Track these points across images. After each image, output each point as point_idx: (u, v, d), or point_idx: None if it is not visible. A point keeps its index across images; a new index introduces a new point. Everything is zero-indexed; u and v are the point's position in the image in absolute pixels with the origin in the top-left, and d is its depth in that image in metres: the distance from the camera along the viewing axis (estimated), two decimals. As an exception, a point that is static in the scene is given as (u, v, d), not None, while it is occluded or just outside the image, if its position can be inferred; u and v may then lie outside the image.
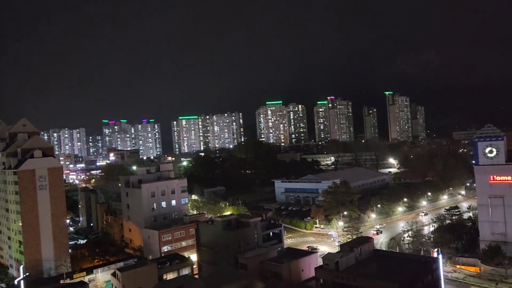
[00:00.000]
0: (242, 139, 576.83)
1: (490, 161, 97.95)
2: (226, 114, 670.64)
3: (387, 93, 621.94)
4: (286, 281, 66.95)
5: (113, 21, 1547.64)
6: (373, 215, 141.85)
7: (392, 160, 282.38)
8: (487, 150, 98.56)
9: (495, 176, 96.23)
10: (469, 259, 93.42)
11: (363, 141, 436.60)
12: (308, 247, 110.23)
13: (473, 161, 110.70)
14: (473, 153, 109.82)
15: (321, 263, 64.37)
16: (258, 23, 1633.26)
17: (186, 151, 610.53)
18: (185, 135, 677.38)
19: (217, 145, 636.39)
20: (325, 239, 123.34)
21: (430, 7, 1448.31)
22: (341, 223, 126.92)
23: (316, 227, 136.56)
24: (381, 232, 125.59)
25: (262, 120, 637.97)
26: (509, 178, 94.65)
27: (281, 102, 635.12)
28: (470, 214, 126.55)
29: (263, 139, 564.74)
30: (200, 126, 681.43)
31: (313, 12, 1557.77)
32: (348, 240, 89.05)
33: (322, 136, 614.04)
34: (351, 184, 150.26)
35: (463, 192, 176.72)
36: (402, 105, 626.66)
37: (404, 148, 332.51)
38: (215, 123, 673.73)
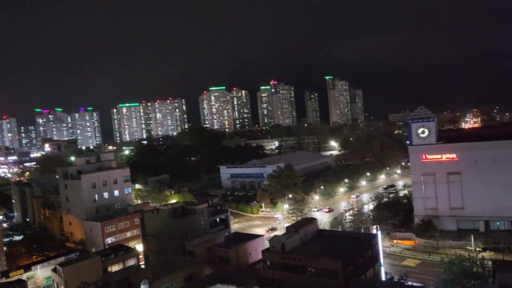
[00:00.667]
0: (186, 126, 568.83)
1: (422, 141, 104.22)
2: (168, 101, 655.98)
3: (327, 77, 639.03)
4: (233, 266, 67.57)
5: (48, 5, 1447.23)
6: (316, 197, 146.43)
7: (333, 143, 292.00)
8: (420, 131, 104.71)
9: (427, 155, 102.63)
10: (405, 234, 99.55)
11: (305, 125, 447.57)
12: (268, 230, 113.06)
13: (408, 142, 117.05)
14: (407, 134, 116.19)
15: (268, 246, 65.62)
16: (200, 9, 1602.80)
17: (128, 139, 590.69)
18: (126, 123, 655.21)
19: (160, 133, 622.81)
20: (271, 222, 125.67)
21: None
22: (286, 206, 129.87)
23: (262, 211, 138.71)
24: (332, 210, 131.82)
25: (205, 106, 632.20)
26: (439, 156, 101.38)
27: (224, 88, 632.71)
28: (406, 191, 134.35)
29: (208, 126, 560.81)
30: (142, 114, 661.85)
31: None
32: (293, 222, 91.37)
33: (266, 121, 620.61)
34: (295, 168, 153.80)
35: (399, 171, 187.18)
36: (342, 89, 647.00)
37: (344, 131, 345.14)
38: (157, 110, 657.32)
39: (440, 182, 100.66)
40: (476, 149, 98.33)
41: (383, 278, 65.42)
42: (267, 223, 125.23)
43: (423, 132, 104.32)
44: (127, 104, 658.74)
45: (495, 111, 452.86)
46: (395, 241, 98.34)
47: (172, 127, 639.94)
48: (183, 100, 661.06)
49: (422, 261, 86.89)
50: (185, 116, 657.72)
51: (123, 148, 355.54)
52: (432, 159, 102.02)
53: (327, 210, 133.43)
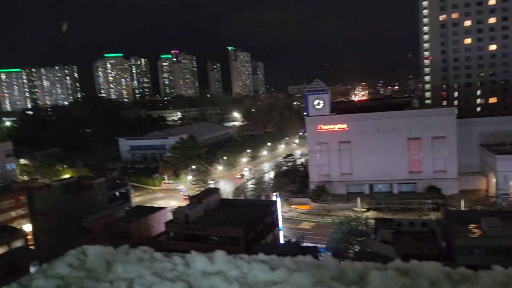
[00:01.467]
0: (79, 96, 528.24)
1: (318, 112, 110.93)
2: (57, 67, 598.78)
3: (230, 48, 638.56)
4: (135, 239, 66.28)
5: None
6: (219, 167, 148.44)
7: (236, 114, 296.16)
8: (315, 102, 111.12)
9: (321, 126, 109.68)
10: (301, 199, 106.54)
11: (208, 96, 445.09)
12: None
13: (305, 113, 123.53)
14: (305, 105, 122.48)
15: (172, 218, 65.45)
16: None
17: (9, 109, 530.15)
18: (6, 91, 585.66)
19: (48, 102, 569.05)
20: (175, 194, 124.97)
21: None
22: (189, 177, 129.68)
23: (164, 183, 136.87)
24: (244, 176, 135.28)
25: (101, 74, 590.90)
26: (332, 126, 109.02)
27: (121, 55, 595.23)
28: (303, 160, 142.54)
29: (104, 95, 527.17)
30: (26, 81, 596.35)
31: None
32: (197, 193, 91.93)
33: (167, 91, 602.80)
34: (198, 139, 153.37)
35: (297, 141, 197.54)
36: (244, 60, 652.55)
37: (246, 102, 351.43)
38: (44, 77, 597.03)
39: (332, 150, 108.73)
40: (363, 120, 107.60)
41: (282, 241, 69.75)
42: (170, 195, 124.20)
43: (318, 104, 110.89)
44: (7, 70, 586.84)
45: (379, 85, 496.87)
46: (292, 206, 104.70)
47: (63, 96, 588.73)
48: (75, 67, 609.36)
49: (316, 224, 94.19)
50: (77, 84, 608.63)
51: (4, 119, 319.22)
52: (326, 129, 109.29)
53: (240, 176, 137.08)
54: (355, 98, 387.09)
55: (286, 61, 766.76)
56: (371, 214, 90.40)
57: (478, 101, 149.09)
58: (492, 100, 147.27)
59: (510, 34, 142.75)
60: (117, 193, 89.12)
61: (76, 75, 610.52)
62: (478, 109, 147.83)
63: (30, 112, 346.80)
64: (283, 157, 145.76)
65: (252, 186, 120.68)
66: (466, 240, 52.40)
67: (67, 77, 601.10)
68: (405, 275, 5.37)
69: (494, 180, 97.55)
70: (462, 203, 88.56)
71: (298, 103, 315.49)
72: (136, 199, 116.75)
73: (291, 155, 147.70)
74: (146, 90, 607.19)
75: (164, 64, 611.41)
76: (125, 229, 68.14)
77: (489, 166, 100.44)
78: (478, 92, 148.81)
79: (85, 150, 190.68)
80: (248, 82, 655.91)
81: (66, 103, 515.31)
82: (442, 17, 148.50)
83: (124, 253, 7.54)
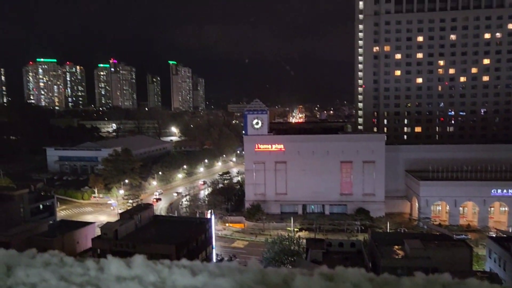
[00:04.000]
0: (5, 100, 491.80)
1: (256, 131, 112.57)
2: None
3: (171, 62, 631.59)
4: (58, 256, 62.18)
5: None
6: (154, 182, 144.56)
7: (174, 129, 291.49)
8: (254, 122, 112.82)
9: (259, 145, 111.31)
10: (236, 218, 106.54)
11: (146, 109, 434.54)
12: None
13: (243, 131, 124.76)
14: (244, 124, 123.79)
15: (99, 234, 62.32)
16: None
17: None
18: None
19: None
20: (104, 208, 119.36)
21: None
22: (121, 191, 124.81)
23: (94, 197, 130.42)
24: (160, 200, 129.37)
25: (31, 79, 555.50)
26: (269, 146, 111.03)
27: (55, 60, 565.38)
28: (239, 178, 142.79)
29: (33, 101, 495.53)
30: None
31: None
32: (129, 208, 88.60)
33: (103, 101, 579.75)
34: (133, 152, 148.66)
35: (234, 159, 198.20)
36: (185, 75, 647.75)
37: (185, 117, 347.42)
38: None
39: (269, 170, 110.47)
40: (299, 141, 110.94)
41: (214, 260, 68.94)
42: (99, 210, 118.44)
43: (257, 123, 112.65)
44: None
45: (316, 108, 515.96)
46: (227, 224, 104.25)
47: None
48: (2, 69, 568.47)
49: (250, 242, 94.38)
50: (3, 88, 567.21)
51: None
52: (263, 149, 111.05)
53: (154, 199, 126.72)
54: (292, 119, 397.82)
55: (227, 79, 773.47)
56: (303, 234, 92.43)
57: (405, 129, 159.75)
58: (418, 129, 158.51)
59: (434, 69, 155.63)
60: (41, 206, 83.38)
61: (3, 78, 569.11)
62: (405, 136, 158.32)
63: None
64: (219, 174, 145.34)
65: (187, 202, 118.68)
66: (390, 261, 55.23)
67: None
68: (330, 279, 5.58)
69: (417, 204, 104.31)
70: (388, 225, 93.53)
71: (237, 122, 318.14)
72: (62, 213, 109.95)
73: (227, 172, 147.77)
74: (80, 98, 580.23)
75: (101, 73, 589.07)
76: (47, 244, 63.60)
77: (413, 190, 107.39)
78: (405, 121, 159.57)
79: (9, 159, 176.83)
80: (188, 97, 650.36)
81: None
82: (375, 49, 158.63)
83: (29, 257, 6.93)
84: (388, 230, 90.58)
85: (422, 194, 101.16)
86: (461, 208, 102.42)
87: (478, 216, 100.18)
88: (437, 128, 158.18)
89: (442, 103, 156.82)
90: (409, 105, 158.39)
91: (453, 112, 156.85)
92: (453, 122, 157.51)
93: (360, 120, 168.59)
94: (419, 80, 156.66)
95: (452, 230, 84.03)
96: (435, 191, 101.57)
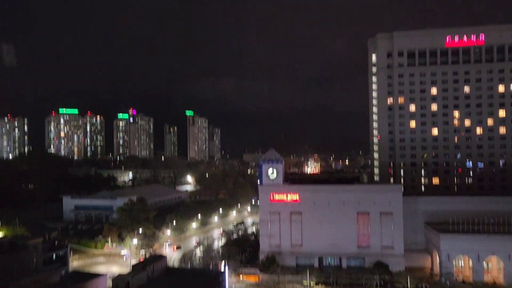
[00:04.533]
0: (27, 149, 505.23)
1: (271, 181, 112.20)
2: (6, 119, 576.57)
3: (188, 113, 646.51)
4: (69, 308, 60.93)
5: None
6: (168, 232, 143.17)
7: (189, 178, 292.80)
8: (270, 171, 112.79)
9: (274, 195, 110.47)
10: (250, 270, 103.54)
11: (162, 158, 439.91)
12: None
13: (258, 181, 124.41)
14: (259, 174, 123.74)
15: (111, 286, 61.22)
16: (55, 24, 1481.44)
17: None
18: None
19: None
20: (117, 258, 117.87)
21: (228, 36, 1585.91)
22: (135, 241, 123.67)
23: (108, 247, 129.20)
24: (180, 247, 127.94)
25: (52, 129, 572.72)
26: (284, 197, 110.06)
27: (76, 111, 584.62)
28: (253, 229, 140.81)
29: (53, 151, 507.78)
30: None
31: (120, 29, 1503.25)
32: (141, 258, 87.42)
33: (121, 151, 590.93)
34: (148, 201, 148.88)
35: (249, 209, 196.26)
36: (202, 126, 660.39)
37: (201, 167, 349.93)
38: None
39: (284, 220, 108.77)
40: (315, 192, 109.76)
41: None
42: (112, 260, 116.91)
43: (272, 173, 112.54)
44: None
45: (331, 158, 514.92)
46: (241, 277, 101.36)
47: (9, 149, 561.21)
48: (26, 119, 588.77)
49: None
50: (26, 137, 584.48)
51: None
52: (278, 199, 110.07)
53: (174, 246, 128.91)
54: (307, 169, 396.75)
55: (242, 129, 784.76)
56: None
57: (423, 180, 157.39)
58: (435, 180, 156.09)
59: (450, 121, 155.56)
60: (54, 256, 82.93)
61: (26, 128, 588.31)
62: (423, 188, 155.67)
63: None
64: (233, 225, 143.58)
65: (200, 253, 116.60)
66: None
67: (16, 129, 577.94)
68: None
69: (438, 258, 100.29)
70: (409, 280, 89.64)
71: (253, 171, 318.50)
72: (75, 263, 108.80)
73: (242, 223, 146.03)
74: (99, 148, 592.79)
75: (120, 123, 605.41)
76: (58, 296, 62.75)
77: (433, 244, 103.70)
78: (423, 172, 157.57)
79: (25, 207, 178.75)
80: (204, 147, 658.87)
81: (11, 156, 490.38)
82: (389, 101, 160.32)
83: None
84: (408, 286, 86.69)
85: (443, 248, 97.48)
86: (485, 264, 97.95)
87: (504, 272, 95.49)
88: (455, 179, 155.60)
89: (460, 154, 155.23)
90: (425, 156, 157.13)
91: (471, 163, 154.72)
92: (471, 173, 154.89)
93: (376, 171, 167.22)
94: (435, 131, 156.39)
95: (477, 287, 79.95)
96: (457, 244, 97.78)
